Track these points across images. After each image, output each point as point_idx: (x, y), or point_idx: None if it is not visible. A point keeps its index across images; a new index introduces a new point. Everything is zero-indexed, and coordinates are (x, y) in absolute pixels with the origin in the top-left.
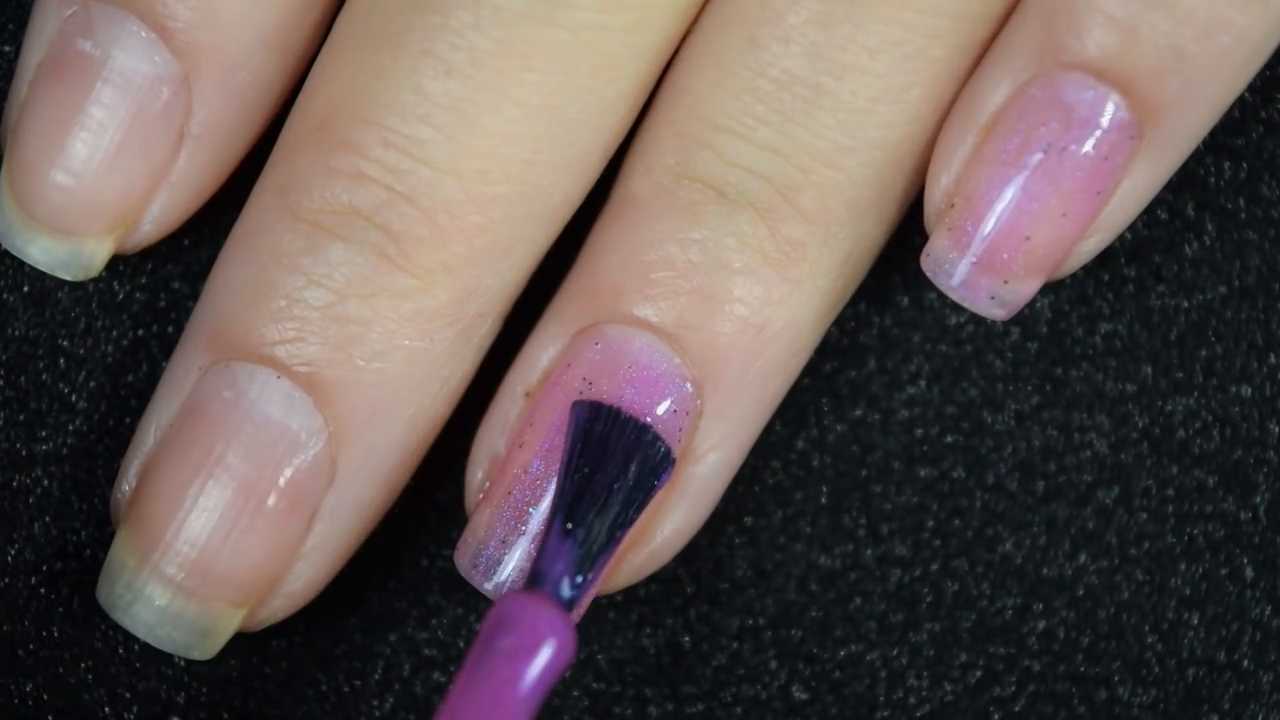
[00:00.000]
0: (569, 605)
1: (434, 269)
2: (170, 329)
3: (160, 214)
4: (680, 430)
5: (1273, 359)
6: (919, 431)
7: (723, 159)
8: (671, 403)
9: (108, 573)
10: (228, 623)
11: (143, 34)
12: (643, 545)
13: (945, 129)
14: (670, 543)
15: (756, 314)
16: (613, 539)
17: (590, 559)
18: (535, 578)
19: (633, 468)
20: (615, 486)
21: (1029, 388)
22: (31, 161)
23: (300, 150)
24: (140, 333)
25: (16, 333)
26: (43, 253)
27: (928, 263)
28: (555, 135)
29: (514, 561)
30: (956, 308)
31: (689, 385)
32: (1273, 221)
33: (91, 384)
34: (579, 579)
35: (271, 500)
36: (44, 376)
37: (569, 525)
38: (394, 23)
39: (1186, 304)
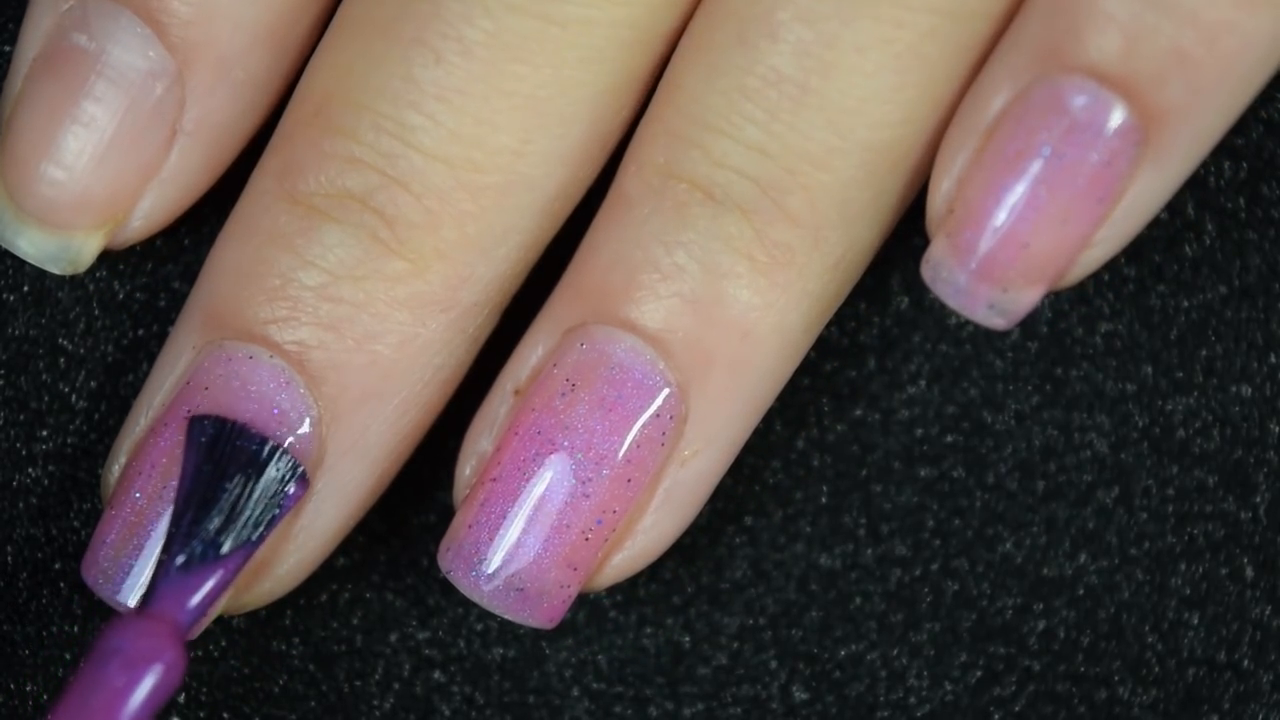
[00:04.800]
0: (181, 626)
1: (427, 254)
2: (170, 329)
3: (151, 210)
4: (664, 434)
5: (1273, 359)
6: (919, 431)
7: (710, 159)
8: (655, 406)
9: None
10: None
11: (138, 29)
12: (622, 547)
13: (948, 133)
14: (652, 544)
15: (742, 318)
16: (231, 559)
17: (204, 579)
18: (147, 599)
19: (253, 485)
20: (233, 506)
21: (1029, 388)
22: (24, 154)
23: (297, 134)
24: (140, 333)
25: (16, 333)
26: (31, 245)
27: (926, 270)
28: (546, 126)
29: (494, 561)
30: None
31: (673, 389)
32: (1273, 221)
33: (91, 384)
34: (192, 601)
35: None
36: (44, 376)
37: (182, 546)
38: (387, 11)
39: (1186, 304)
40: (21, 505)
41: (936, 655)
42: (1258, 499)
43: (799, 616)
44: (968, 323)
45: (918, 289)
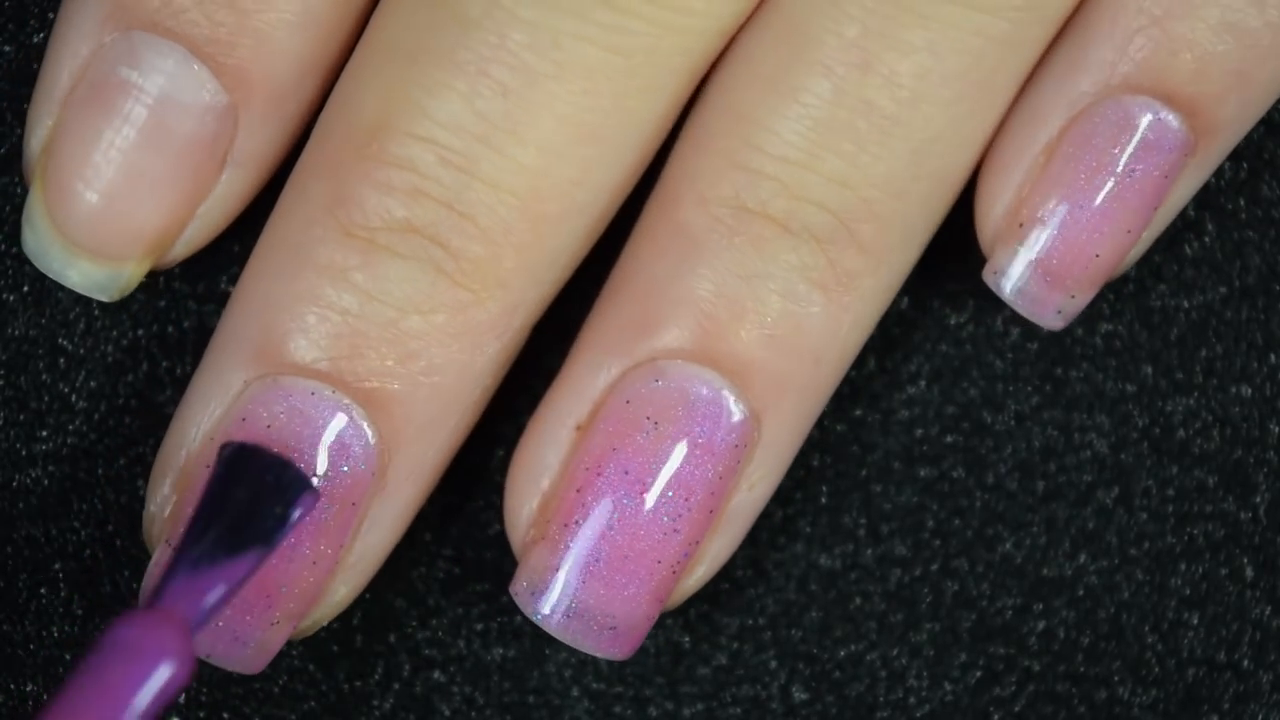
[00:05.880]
0: (190, 624)
1: (490, 284)
2: (170, 329)
3: (193, 235)
4: (737, 463)
5: (1273, 359)
6: (919, 431)
7: (789, 192)
8: (733, 437)
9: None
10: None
11: (194, 65)
12: (694, 569)
13: (1002, 146)
14: (715, 566)
15: (814, 346)
16: (241, 560)
17: (215, 579)
18: (157, 596)
19: (263, 497)
20: (243, 514)
21: (1029, 388)
22: (73, 187)
23: (347, 164)
24: (140, 333)
25: (16, 333)
26: (82, 276)
27: (993, 279)
28: (604, 156)
29: (587, 604)
30: (957, 308)
31: (749, 419)
32: (1273, 221)
33: (91, 384)
34: (203, 599)
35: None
36: (44, 376)
37: (195, 545)
38: (442, 39)
39: (1186, 304)
40: (21, 505)
41: (936, 655)
42: (1258, 499)
43: (799, 616)
44: (968, 323)
45: (918, 289)
